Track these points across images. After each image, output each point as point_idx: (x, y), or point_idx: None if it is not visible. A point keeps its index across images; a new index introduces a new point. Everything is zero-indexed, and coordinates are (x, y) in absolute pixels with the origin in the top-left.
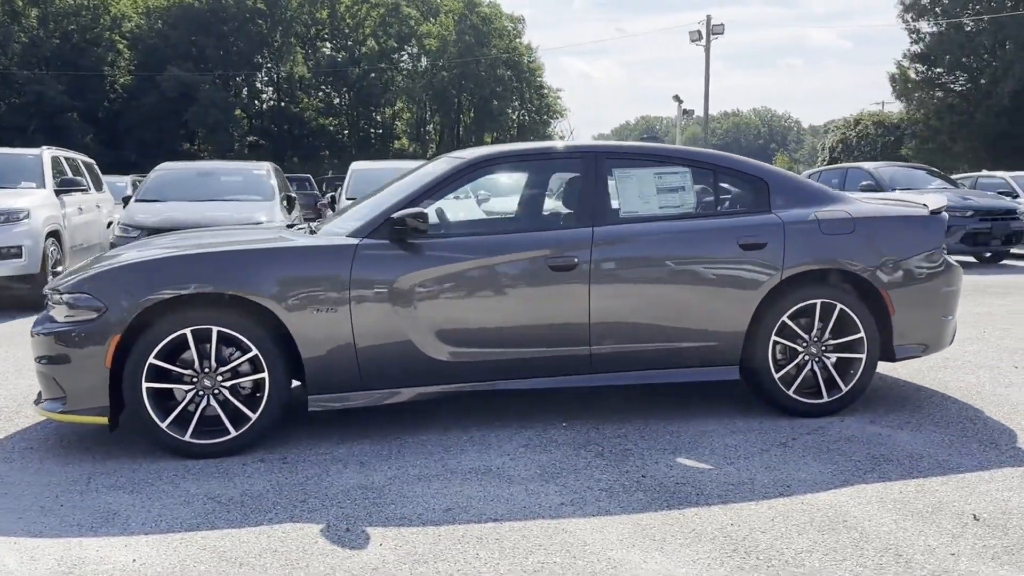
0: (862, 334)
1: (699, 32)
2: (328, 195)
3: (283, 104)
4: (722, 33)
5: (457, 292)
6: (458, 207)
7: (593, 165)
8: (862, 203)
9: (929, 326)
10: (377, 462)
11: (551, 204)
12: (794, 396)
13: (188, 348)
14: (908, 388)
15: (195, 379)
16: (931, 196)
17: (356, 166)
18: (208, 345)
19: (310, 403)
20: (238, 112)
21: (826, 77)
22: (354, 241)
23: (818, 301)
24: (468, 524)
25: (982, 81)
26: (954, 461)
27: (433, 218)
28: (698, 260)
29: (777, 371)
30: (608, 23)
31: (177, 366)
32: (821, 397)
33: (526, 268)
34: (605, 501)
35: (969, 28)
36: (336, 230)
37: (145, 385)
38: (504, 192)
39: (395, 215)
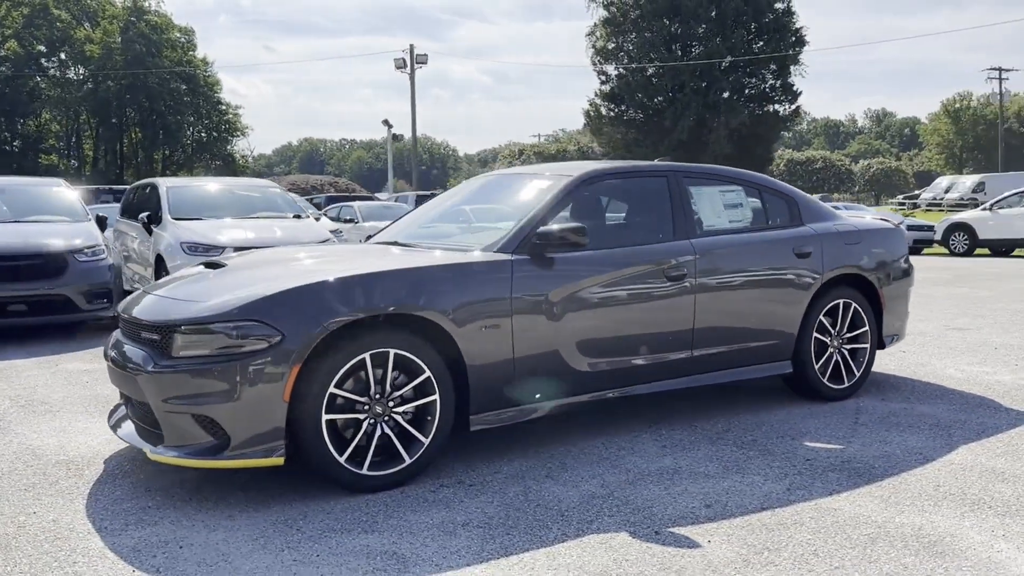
0: (867, 327)
1: (403, 60)
2: (143, 215)
3: None
4: (425, 62)
5: (597, 303)
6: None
7: (676, 183)
8: (854, 219)
9: (900, 318)
10: (565, 475)
11: (648, 218)
12: (827, 383)
13: (356, 375)
14: None
15: (368, 407)
16: (887, 214)
17: (168, 183)
18: (380, 370)
19: (472, 422)
20: None
21: (471, 109)
22: (507, 256)
23: (841, 301)
24: (750, 515)
25: (655, 119)
26: (991, 423)
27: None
28: (768, 267)
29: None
30: (255, 41)
31: (350, 393)
32: (843, 383)
33: (649, 279)
34: (818, 483)
35: (651, 73)
36: (454, 245)
37: (325, 417)
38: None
39: (543, 230)
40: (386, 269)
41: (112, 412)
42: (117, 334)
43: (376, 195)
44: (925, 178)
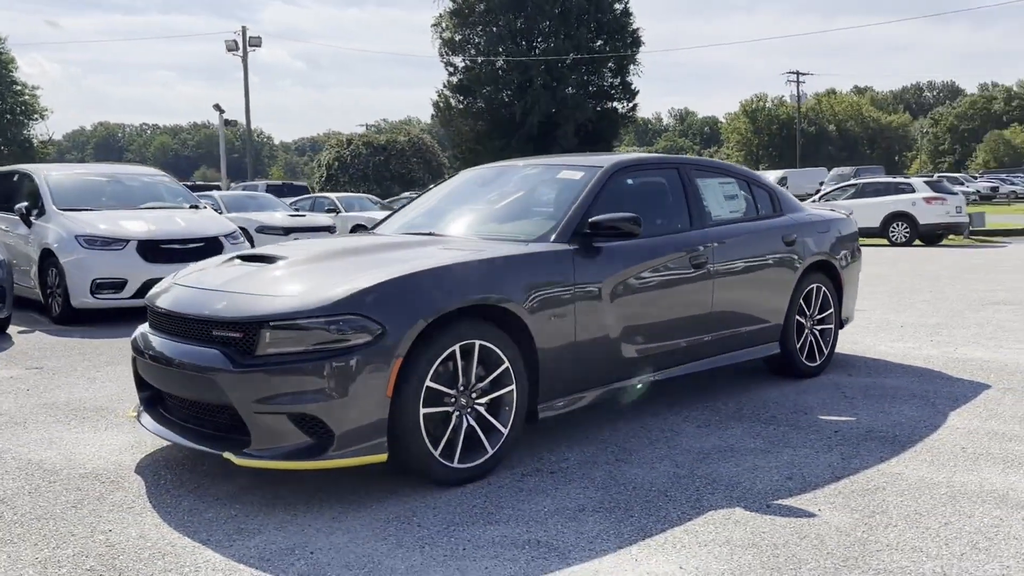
0: (832, 310)
1: (235, 42)
2: (20, 206)
3: None
4: (260, 45)
5: (640, 290)
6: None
7: (686, 174)
8: (816, 209)
9: (853, 301)
10: (633, 457)
11: (669, 208)
12: (805, 361)
13: (442, 368)
14: None
15: (454, 399)
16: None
17: (45, 170)
18: (464, 362)
19: (540, 411)
20: None
21: (284, 96)
22: (566, 245)
23: (814, 285)
24: (832, 484)
25: (504, 112)
26: (957, 392)
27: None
28: (766, 254)
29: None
30: (35, 15)
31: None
32: (816, 361)
33: (680, 266)
34: (863, 452)
35: (500, 66)
36: (501, 235)
37: (423, 411)
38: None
39: (596, 219)
40: (472, 259)
41: (145, 414)
42: (148, 331)
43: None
44: None
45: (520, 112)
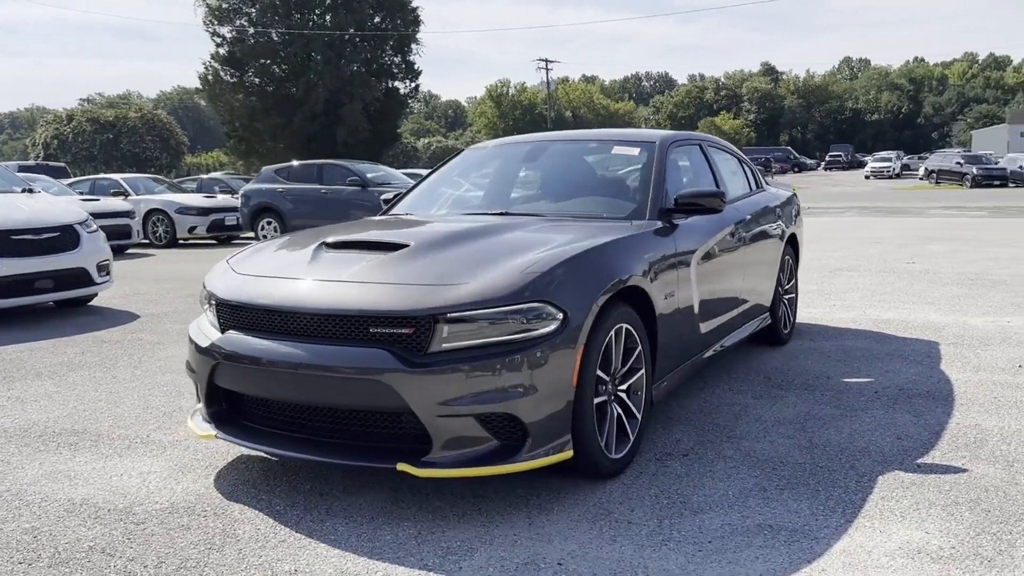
0: (795, 280)
1: None
2: None
3: None
4: None
5: (710, 265)
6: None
7: (706, 151)
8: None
9: (798, 269)
10: (738, 433)
11: (702, 184)
12: (782, 329)
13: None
14: None
15: (606, 387)
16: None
17: None
18: (616, 346)
19: (654, 394)
20: None
21: None
22: (658, 223)
23: (786, 256)
24: (940, 442)
25: (283, 89)
26: (923, 350)
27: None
28: (769, 227)
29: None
30: None
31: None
32: (787, 328)
33: (730, 239)
34: (925, 410)
35: (277, 39)
36: (586, 213)
37: (595, 401)
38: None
39: (682, 194)
40: (609, 239)
41: (221, 432)
42: (240, 333)
43: None
44: None
45: (303, 88)
